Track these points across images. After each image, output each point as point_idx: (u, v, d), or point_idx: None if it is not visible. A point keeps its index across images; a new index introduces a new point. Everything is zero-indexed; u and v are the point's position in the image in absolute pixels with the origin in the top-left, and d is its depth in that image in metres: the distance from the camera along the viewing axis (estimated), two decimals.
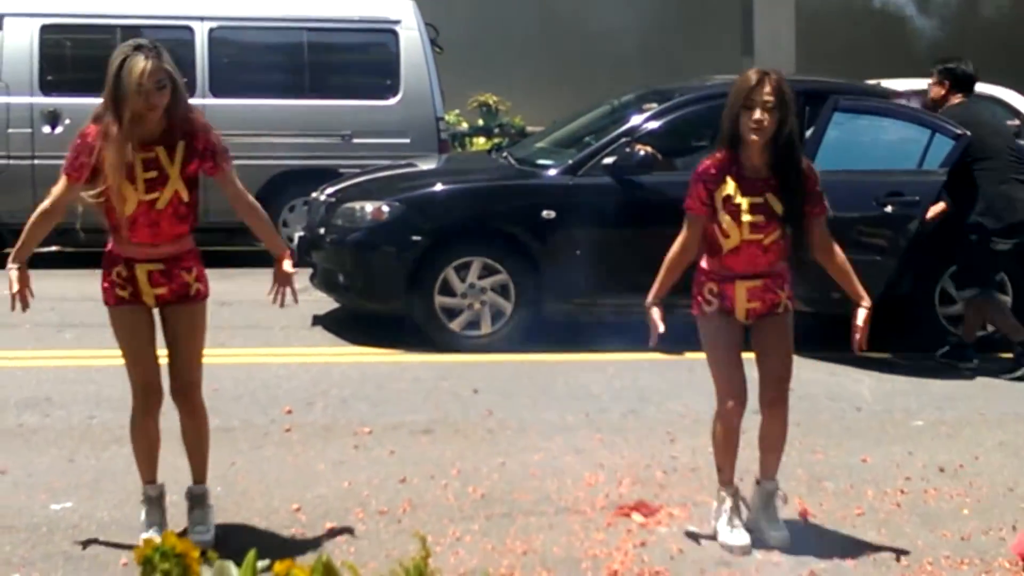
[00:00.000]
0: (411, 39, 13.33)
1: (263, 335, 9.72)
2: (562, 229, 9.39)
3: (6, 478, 6.30)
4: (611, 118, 10.57)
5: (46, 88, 12.65)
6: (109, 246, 5.33)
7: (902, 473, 6.68)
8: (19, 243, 5.38)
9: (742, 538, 5.54)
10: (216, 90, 12.64)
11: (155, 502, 5.44)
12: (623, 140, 9.63)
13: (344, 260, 9.67)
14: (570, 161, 9.76)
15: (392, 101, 13.24)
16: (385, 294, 9.59)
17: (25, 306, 5.29)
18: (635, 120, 9.97)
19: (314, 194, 10.53)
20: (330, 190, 10.27)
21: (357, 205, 9.67)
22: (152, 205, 5.16)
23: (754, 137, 5.29)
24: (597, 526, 5.79)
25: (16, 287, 5.27)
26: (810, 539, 5.69)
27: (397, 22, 13.36)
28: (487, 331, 9.43)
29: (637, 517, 5.88)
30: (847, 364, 9.12)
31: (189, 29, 12.77)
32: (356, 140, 13.00)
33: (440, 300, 9.39)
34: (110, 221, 5.26)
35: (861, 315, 5.44)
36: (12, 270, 5.30)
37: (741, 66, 21.80)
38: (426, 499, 6.13)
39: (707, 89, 10.31)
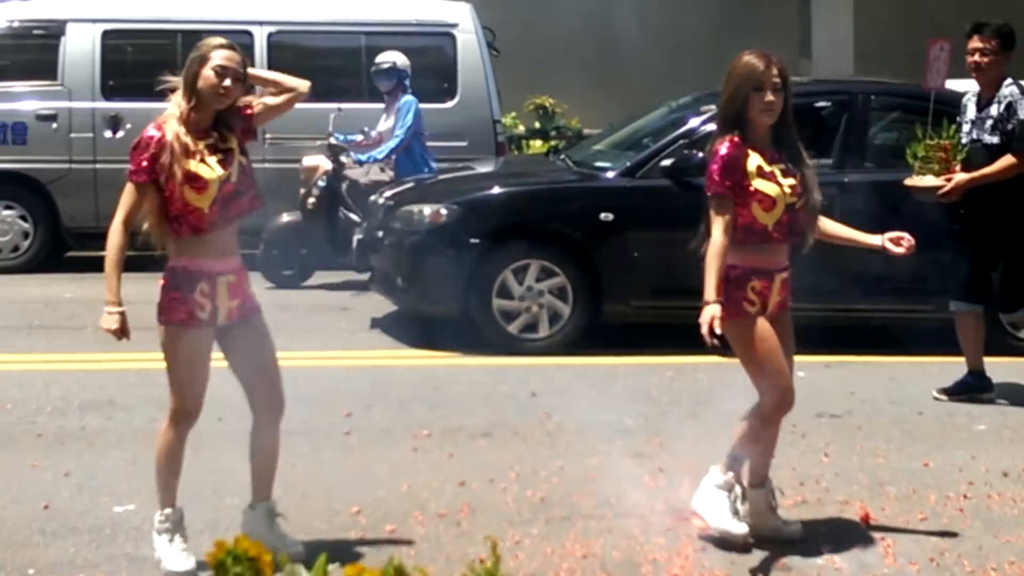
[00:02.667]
0: (468, 42, 13.35)
1: (322, 338, 9.76)
2: (620, 231, 9.39)
3: (70, 480, 6.37)
4: (669, 120, 10.56)
5: (108, 93, 12.77)
6: (181, 262, 5.15)
7: (965, 478, 6.61)
8: (108, 279, 5.21)
9: (743, 527, 5.58)
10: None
11: (182, 524, 5.30)
12: (681, 142, 9.61)
13: (402, 263, 9.69)
14: (628, 163, 9.78)
15: (449, 104, 13.26)
16: (443, 297, 9.58)
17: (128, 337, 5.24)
18: (693, 122, 9.92)
19: (372, 197, 10.56)
20: (388, 193, 10.31)
21: (415, 208, 9.70)
22: (228, 180, 5.14)
23: (766, 118, 5.40)
24: (657, 530, 5.77)
25: (115, 327, 5.21)
26: (872, 544, 5.64)
27: (454, 25, 13.38)
28: (545, 334, 9.44)
29: (697, 522, 5.85)
30: (907, 368, 9.05)
31: (248, 34, 12.85)
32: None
33: (498, 303, 9.41)
34: (182, 230, 5.13)
35: (888, 237, 5.55)
36: (112, 313, 5.20)
37: (799, 69, 21.70)
38: (485, 502, 6.13)
39: None
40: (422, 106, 12.12)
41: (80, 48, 12.78)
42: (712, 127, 9.72)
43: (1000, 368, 9.13)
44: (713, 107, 10.03)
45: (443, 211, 9.53)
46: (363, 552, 5.44)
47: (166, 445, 5.27)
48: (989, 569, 5.38)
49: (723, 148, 5.48)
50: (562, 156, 11.04)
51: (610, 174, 9.82)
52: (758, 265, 5.47)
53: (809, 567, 5.40)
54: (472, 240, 9.41)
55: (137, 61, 13.19)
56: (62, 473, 6.46)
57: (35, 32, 12.95)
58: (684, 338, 8.51)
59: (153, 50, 13.05)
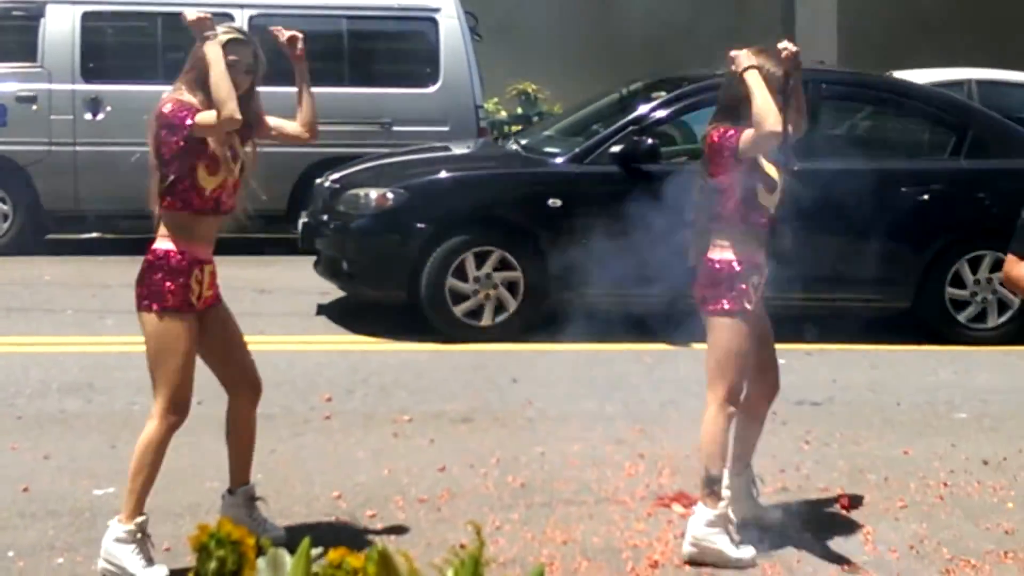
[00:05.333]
0: (451, 27, 13.30)
1: (302, 323, 9.74)
2: (568, 218, 9.25)
3: (49, 463, 6.34)
4: (620, 106, 10.45)
5: (88, 75, 12.69)
6: (175, 248, 5.03)
7: (945, 466, 6.63)
8: None
9: (750, 550, 5.38)
10: (265, 78, 12.64)
11: (147, 534, 5.10)
12: (631, 128, 9.50)
13: (347, 247, 9.58)
14: (577, 149, 9.64)
15: (431, 89, 13.22)
16: (389, 282, 9.47)
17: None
18: (643, 109, 9.84)
19: (318, 180, 10.39)
20: (334, 176, 10.14)
21: (361, 192, 9.56)
22: (232, 174, 5.13)
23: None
24: (637, 516, 5.79)
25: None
26: (852, 531, 5.66)
27: (437, 10, 13.33)
28: (492, 320, 9.31)
29: (677, 508, 5.87)
30: (888, 357, 9.08)
31: (230, 16, 12.77)
32: (396, 128, 12.99)
33: (447, 288, 9.23)
34: (188, 212, 5.06)
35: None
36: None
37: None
38: (465, 488, 6.13)
39: (715, 79, 10.27)
40: (404, 91, 12.02)
41: (60, 30, 12.69)
42: (663, 113, 9.72)
43: (981, 357, 9.17)
44: (663, 94, 10.00)
45: (389, 195, 9.37)
46: (343, 537, 5.42)
47: (153, 444, 5.04)
48: (968, 557, 5.40)
49: (727, 134, 5.35)
50: (512, 141, 10.91)
51: (558, 160, 9.70)
52: (755, 258, 5.41)
53: (789, 554, 5.41)
54: (419, 225, 9.29)
55: (117, 43, 13.12)
56: (41, 456, 6.44)
57: (15, 13, 12.84)
58: (635, 326, 8.62)
59: (133, 32, 12.98)
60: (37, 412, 7.24)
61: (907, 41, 20.89)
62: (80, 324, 9.21)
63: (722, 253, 5.35)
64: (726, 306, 5.31)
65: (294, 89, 5.67)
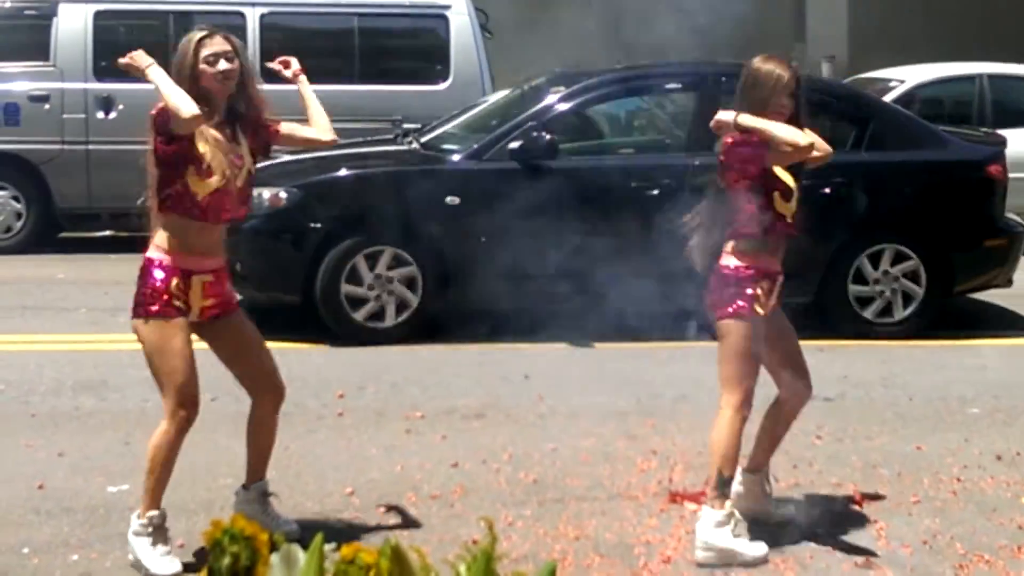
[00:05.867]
0: (461, 24, 13.32)
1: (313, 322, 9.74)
2: (467, 216, 9.04)
3: (63, 460, 6.36)
4: (520, 102, 10.17)
5: (100, 74, 12.72)
6: (160, 258, 5.10)
7: (958, 461, 6.62)
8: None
9: (762, 546, 5.37)
10: (267, 75, 12.66)
11: (164, 526, 5.16)
12: (530, 124, 9.30)
13: (240, 249, 8.84)
14: (475, 146, 9.45)
15: (442, 86, 13.23)
16: (282, 285, 9.22)
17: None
18: (542, 104, 9.64)
19: None
20: None
21: (255, 192, 9.27)
22: (231, 181, 5.12)
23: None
24: (650, 512, 5.79)
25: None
26: (865, 526, 5.66)
27: (447, 7, 13.35)
28: (392, 322, 9.11)
29: (690, 504, 5.86)
30: (899, 352, 9.07)
31: (240, 15, 12.80)
32: (406, 125, 13.00)
33: (345, 290, 9.03)
34: (179, 216, 5.10)
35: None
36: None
37: (793, 51, 21.67)
38: (478, 484, 6.14)
39: (615, 74, 10.29)
40: (415, 88, 12.01)
41: (72, 29, 12.73)
42: (562, 108, 9.64)
43: (993, 352, 9.16)
44: (563, 89, 9.83)
45: (283, 194, 9.10)
46: (356, 533, 5.44)
47: (165, 443, 5.09)
48: (982, 552, 5.39)
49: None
50: (410, 138, 10.55)
51: (455, 157, 9.51)
52: (767, 265, 5.42)
53: (802, 550, 5.40)
54: (313, 225, 9.07)
55: (129, 42, 12.96)
56: (56, 453, 6.46)
57: (27, 13, 12.89)
58: (534, 324, 8.60)
59: (145, 31, 13.00)
60: (51, 410, 7.26)
61: (918, 35, 20.85)
62: (93, 322, 9.24)
63: (735, 259, 5.36)
64: (735, 309, 5.32)
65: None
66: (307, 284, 9.03)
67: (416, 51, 13.70)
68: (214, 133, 5.08)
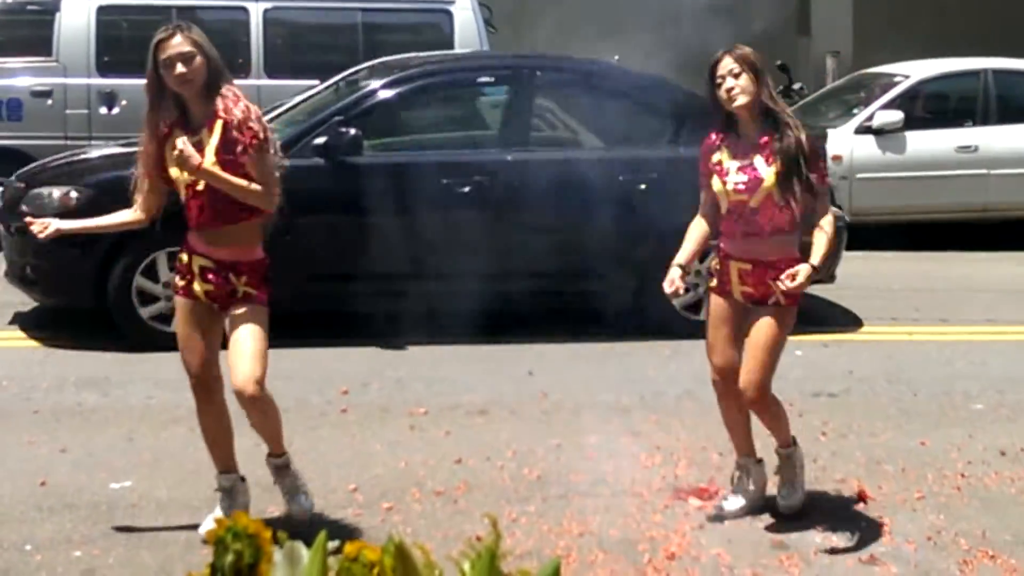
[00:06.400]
0: (465, 19, 13.29)
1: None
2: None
3: (66, 457, 6.36)
4: (335, 96, 9.76)
5: (103, 69, 12.71)
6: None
7: (962, 457, 6.61)
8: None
9: (730, 503, 5.73)
10: (270, 70, 12.67)
11: (227, 492, 5.39)
12: (336, 119, 8.93)
13: (29, 251, 8.65)
14: (280, 142, 9.13)
15: None
16: (73, 288, 8.76)
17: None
18: (349, 99, 9.32)
19: (2, 180, 9.68)
20: (20, 173, 9.37)
21: (45, 191, 8.81)
22: (190, 187, 5.15)
23: (736, 104, 5.40)
24: (654, 508, 5.78)
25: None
26: (869, 522, 5.65)
27: (451, 2, 13.33)
28: None
29: (694, 501, 5.86)
30: (904, 347, 9.06)
31: (244, 9, 12.79)
32: None
33: (135, 291, 8.59)
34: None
35: (799, 268, 5.32)
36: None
37: (797, 47, 21.66)
38: (482, 480, 6.14)
39: (430, 66, 9.92)
40: None
41: (75, 24, 12.71)
42: (371, 102, 9.23)
43: (998, 347, 9.15)
44: (373, 82, 9.49)
45: (73, 194, 8.60)
46: (360, 529, 5.44)
47: (197, 414, 5.42)
48: (986, 547, 5.38)
49: (707, 138, 5.69)
50: None
51: None
52: (724, 246, 5.61)
53: (806, 545, 5.40)
54: None
55: (132, 37, 13.11)
56: (58, 449, 6.45)
57: (30, 8, 12.87)
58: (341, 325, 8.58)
59: (148, 26, 12.82)
60: (54, 406, 7.26)
61: (923, 30, 20.81)
62: (94, 320, 9.22)
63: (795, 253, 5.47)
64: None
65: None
66: (98, 287, 8.60)
67: (420, 46, 13.63)
68: (182, 139, 5.10)
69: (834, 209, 9.67)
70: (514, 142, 9.29)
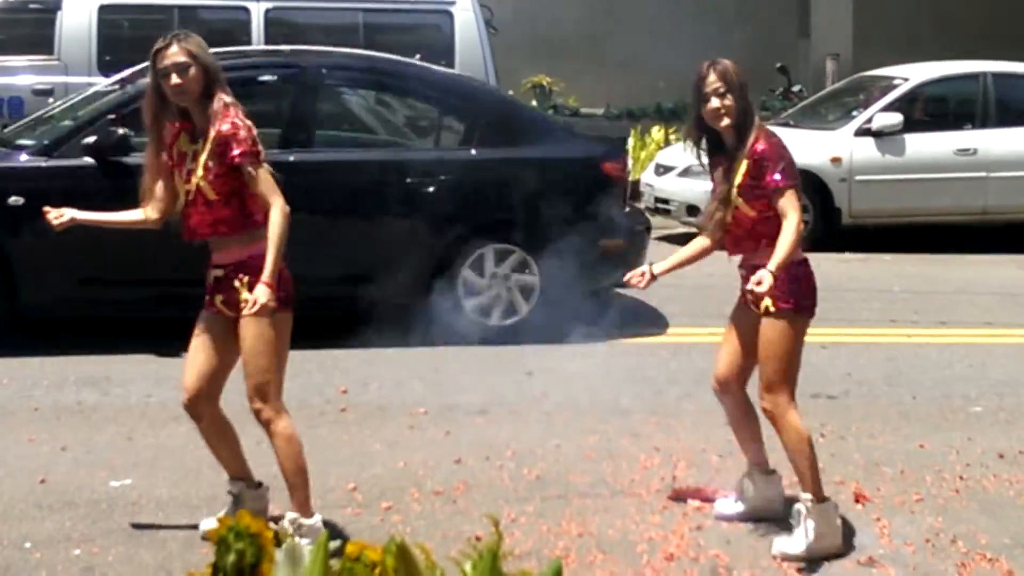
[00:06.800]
0: (466, 20, 13.30)
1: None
2: (35, 217, 7.54)
3: (66, 455, 6.37)
4: (115, 94, 9.24)
5: (104, 68, 12.70)
6: None
7: (961, 459, 6.62)
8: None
9: (721, 505, 5.72)
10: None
11: (235, 499, 5.32)
12: (108, 118, 8.58)
13: None
14: (45, 141, 8.74)
15: None
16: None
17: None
18: (120, 96, 8.94)
19: None
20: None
21: None
22: (187, 195, 5.14)
23: (721, 124, 5.33)
24: (653, 509, 5.78)
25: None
26: (868, 524, 5.65)
27: (452, 3, 13.34)
28: None
29: (693, 501, 5.87)
30: (903, 350, 9.06)
31: (245, 10, 12.79)
32: None
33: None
34: None
35: (761, 274, 5.16)
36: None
37: (797, 48, 21.68)
38: (481, 480, 6.14)
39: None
40: None
41: (77, 23, 12.72)
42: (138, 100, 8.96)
43: (997, 351, 9.16)
44: (142, 81, 9.33)
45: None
46: (359, 529, 5.44)
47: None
48: (984, 550, 5.39)
49: None
50: None
51: (23, 154, 8.67)
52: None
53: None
54: None
55: (134, 36, 13.10)
56: (59, 447, 6.46)
57: (32, 6, 12.89)
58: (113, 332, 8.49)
59: (150, 25, 12.95)
60: (54, 404, 7.27)
61: (922, 33, 20.84)
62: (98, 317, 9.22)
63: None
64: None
65: None
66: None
67: (421, 47, 13.65)
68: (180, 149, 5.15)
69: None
70: (295, 143, 8.92)
